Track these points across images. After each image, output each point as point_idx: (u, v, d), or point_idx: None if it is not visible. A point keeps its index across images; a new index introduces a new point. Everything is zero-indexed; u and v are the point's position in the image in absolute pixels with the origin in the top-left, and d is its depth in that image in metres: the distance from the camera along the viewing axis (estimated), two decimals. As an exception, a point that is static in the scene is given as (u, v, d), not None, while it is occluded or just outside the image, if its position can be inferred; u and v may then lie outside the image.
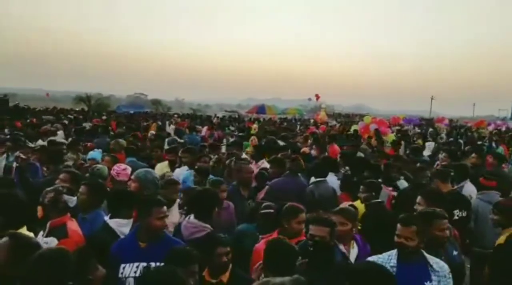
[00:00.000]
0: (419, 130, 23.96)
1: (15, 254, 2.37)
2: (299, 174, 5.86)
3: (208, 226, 3.77)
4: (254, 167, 6.42)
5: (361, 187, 4.89)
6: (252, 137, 10.77)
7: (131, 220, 3.56)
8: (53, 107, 31.60)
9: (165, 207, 3.22)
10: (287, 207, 3.75)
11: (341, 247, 3.46)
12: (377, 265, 2.68)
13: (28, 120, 16.76)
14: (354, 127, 17.10)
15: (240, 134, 13.80)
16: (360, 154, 8.77)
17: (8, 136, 9.06)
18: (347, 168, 6.93)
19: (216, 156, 6.65)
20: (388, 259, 3.10)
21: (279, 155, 6.73)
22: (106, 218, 3.66)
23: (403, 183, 6.12)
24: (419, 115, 56.83)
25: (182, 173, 6.07)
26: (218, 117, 31.48)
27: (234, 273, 3.11)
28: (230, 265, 3.11)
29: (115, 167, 5.07)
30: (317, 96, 43.21)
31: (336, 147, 10.07)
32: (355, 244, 3.58)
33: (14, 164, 5.85)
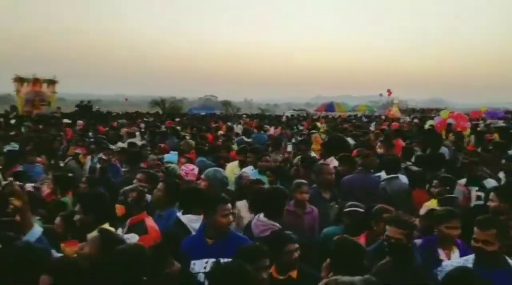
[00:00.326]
0: (504, 124, 22.01)
1: (104, 248, 2.53)
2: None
3: (277, 224, 3.80)
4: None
5: (434, 181, 4.66)
6: (315, 135, 10.65)
7: (201, 216, 3.69)
8: (135, 112, 33.46)
9: (229, 205, 3.30)
10: (377, 209, 3.69)
11: (440, 251, 3.36)
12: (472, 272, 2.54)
13: (108, 124, 17.97)
14: (429, 122, 16.20)
15: (312, 131, 13.67)
16: (445, 150, 8.27)
17: (92, 140, 9.85)
18: (408, 162, 6.65)
19: (280, 155, 6.63)
20: (463, 264, 2.92)
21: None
22: (179, 214, 3.84)
23: (490, 182, 5.52)
24: (505, 107, 52.12)
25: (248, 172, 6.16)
26: (286, 116, 31.51)
27: (303, 270, 3.10)
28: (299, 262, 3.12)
29: (183, 167, 5.31)
30: (389, 91, 41.59)
31: (401, 143, 9.62)
32: (456, 249, 3.44)
33: (98, 165, 6.35)
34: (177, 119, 23.10)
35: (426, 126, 15.32)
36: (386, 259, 2.92)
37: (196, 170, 5.20)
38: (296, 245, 3.10)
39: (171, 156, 6.83)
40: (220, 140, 10.49)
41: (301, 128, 17.36)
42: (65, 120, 18.49)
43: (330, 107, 35.29)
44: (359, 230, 3.70)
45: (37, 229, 2.52)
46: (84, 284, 2.19)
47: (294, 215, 4.26)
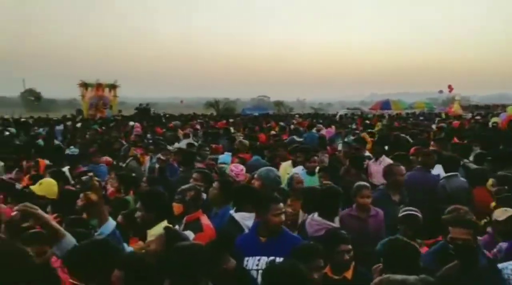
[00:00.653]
0: None
1: (169, 245, 2.60)
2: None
3: (333, 223, 3.80)
4: (375, 165, 6.23)
5: (492, 180, 4.43)
6: (363, 134, 10.43)
7: (254, 213, 3.77)
8: (194, 113, 34.28)
9: (281, 204, 3.34)
10: (452, 210, 3.56)
11: None
12: None
13: (165, 126, 18.62)
14: (494, 119, 15.30)
15: (368, 130, 13.37)
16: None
17: (151, 141, 10.30)
18: (465, 160, 6.38)
19: (326, 155, 6.57)
20: None
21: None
22: (232, 212, 3.95)
23: None
24: None
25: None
26: (340, 115, 30.99)
27: (358, 271, 3.08)
28: (353, 263, 3.09)
29: (233, 167, 5.40)
30: (450, 87, 39.57)
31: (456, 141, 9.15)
32: None
33: (156, 165, 6.64)
34: (231, 120, 23.49)
35: (490, 124, 14.50)
36: (453, 263, 2.81)
37: (244, 170, 5.29)
38: (349, 247, 3.08)
39: (225, 157, 7.01)
40: (273, 140, 10.57)
41: (354, 127, 17.02)
42: (131, 123, 19.31)
43: (386, 105, 34.20)
44: (420, 235, 3.57)
45: (111, 223, 2.62)
46: (151, 280, 2.27)
47: (357, 219, 4.12)
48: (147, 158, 8.34)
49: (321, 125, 16.00)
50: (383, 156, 6.67)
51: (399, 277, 1.82)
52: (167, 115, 30.71)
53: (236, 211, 3.92)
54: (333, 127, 15.37)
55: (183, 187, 4.00)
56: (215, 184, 4.29)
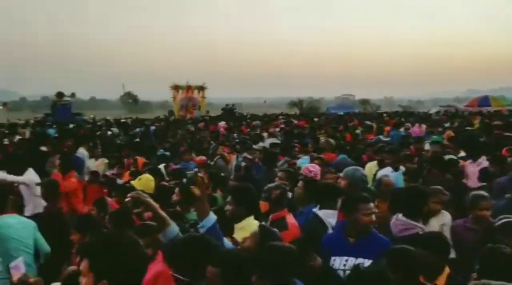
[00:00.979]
0: None
1: (262, 243, 2.61)
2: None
3: (419, 225, 3.67)
4: (473, 166, 5.82)
5: None
6: (448, 132, 9.74)
7: (336, 211, 3.77)
8: (280, 113, 34.51)
9: (371, 204, 3.27)
10: None
11: None
12: None
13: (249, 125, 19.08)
14: None
15: (466, 128, 12.50)
16: None
17: (237, 140, 10.64)
18: None
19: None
20: None
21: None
22: (315, 209, 3.96)
23: None
24: None
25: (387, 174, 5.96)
26: (432, 113, 29.25)
27: (451, 277, 2.92)
28: (447, 269, 2.94)
29: (311, 168, 5.36)
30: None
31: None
32: None
33: (242, 164, 6.87)
34: (315, 119, 23.37)
35: None
36: None
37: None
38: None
39: (303, 161, 6.99)
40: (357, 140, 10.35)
41: (446, 125, 15.97)
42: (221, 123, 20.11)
43: (484, 101, 31.54)
44: None
45: (212, 217, 2.71)
46: (247, 277, 2.29)
47: (473, 232, 3.85)
48: (234, 156, 8.63)
49: (409, 124, 15.29)
50: (483, 157, 6.21)
51: (495, 283, 1.72)
52: (248, 116, 31.35)
53: (319, 208, 3.93)
54: (422, 126, 14.58)
55: (269, 185, 4.07)
56: (299, 184, 4.34)
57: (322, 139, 9.69)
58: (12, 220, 4.05)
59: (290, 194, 4.36)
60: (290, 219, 3.83)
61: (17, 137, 12.86)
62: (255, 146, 8.76)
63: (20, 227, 4.05)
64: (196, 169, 3.22)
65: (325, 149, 7.62)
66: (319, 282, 2.80)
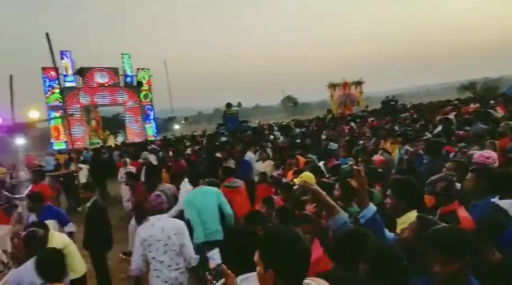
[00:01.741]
0: None
1: (420, 234, 2.47)
2: None
3: None
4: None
5: None
6: None
7: None
8: (456, 98, 31.69)
9: None
10: None
11: None
12: None
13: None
14: None
15: None
16: None
17: (399, 132, 10.17)
18: None
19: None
20: None
21: None
22: (495, 199, 3.56)
23: None
24: None
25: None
26: None
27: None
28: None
29: (486, 154, 4.76)
30: None
31: None
32: None
33: (405, 156, 6.57)
34: (491, 101, 20.63)
35: None
36: None
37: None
38: None
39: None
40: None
41: None
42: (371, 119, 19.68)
43: None
44: None
45: (372, 207, 2.77)
46: (397, 273, 2.25)
47: None
48: (397, 149, 8.28)
49: None
50: None
51: None
52: (408, 105, 29.42)
53: (500, 198, 3.54)
54: None
55: (433, 177, 3.83)
56: (468, 175, 3.94)
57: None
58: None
59: (459, 185, 4.00)
60: (462, 212, 3.55)
61: (196, 147, 14.87)
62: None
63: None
64: (351, 162, 3.27)
65: (503, 134, 6.72)
66: (498, 281, 2.55)
